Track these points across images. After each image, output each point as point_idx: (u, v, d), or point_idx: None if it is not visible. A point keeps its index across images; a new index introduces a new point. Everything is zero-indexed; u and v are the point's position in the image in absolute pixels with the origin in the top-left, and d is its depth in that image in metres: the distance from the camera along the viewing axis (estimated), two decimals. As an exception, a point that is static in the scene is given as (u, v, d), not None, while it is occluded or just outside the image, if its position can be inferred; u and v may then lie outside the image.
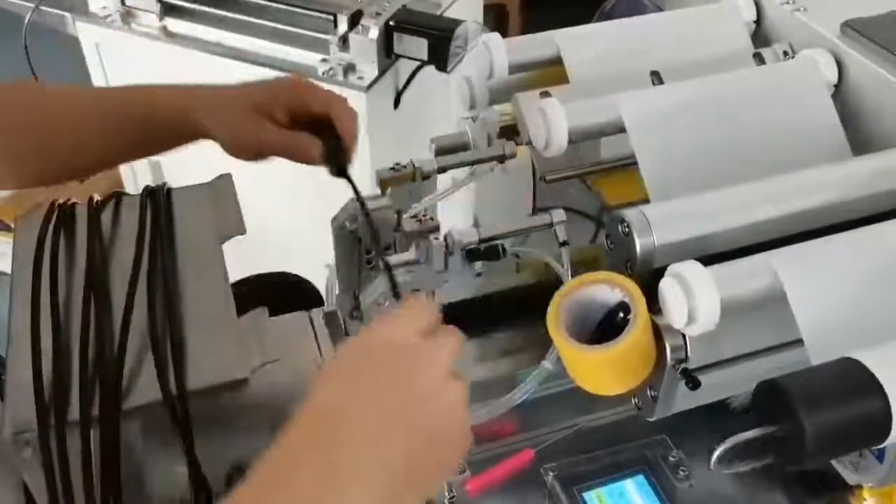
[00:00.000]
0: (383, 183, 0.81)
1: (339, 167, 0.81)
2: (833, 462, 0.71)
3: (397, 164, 0.83)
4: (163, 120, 0.85)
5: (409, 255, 0.77)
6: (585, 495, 0.85)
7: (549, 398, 0.89)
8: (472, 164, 0.86)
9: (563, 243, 0.77)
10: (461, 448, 0.56)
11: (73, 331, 0.69)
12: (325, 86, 0.86)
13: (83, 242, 0.76)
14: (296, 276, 1.32)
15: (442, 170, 0.85)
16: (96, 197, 0.82)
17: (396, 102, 1.65)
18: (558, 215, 0.77)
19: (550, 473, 0.86)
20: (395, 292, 0.70)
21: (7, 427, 0.63)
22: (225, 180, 0.86)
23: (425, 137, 1.14)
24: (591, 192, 0.92)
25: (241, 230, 0.81)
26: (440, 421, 0.55)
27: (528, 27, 2.76)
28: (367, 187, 1.61)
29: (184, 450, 0.64)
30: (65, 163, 0.90)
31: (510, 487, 0.86)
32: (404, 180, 0.82)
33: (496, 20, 2.71)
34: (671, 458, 0.87)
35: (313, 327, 0.92)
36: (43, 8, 1.70)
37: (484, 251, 0.76)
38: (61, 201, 0.79)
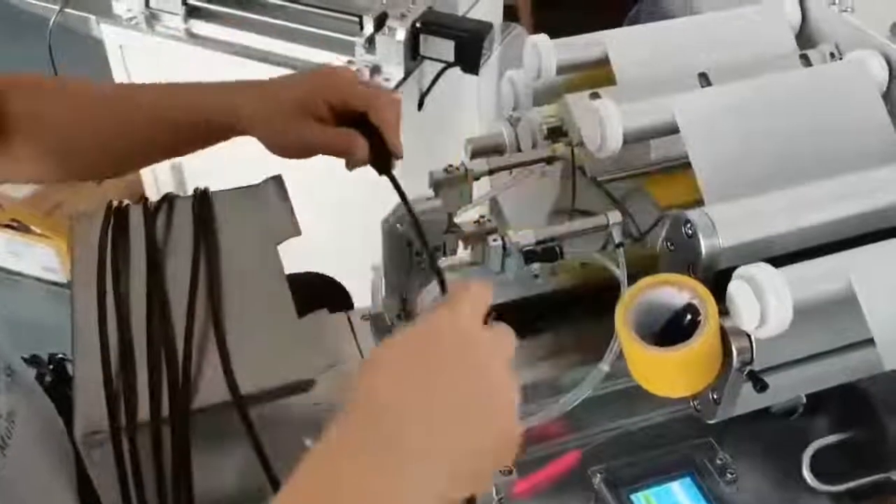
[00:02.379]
0: (437, 185, 0.81)
1: (384, 167, 0.80)
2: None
3: (450, 167, 0.82)
4: (208, 120, 0.85)
5: (466, 256, 0.77)
6: (633, 497, 0.85)
7: (593, 400, 0.88)
8: (521, 165, 0.86)
9: (619, 245, 0.77)
10: (514, 448, 0.53)
11: (137, 331, 0.69)
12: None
13: (140, 243, 0.76)
14: (326, 276, 1.31)
15: (492, 171, 0.85)
16: (150, 198, 0.82)
17: (420, 104, 1.65)
18: (614, 217, 0.77)
19: (598, 475, 0.86)
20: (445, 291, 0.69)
21: (78, 427, 0.63)
22: (277, 181, 0.86)
23: (449, 139, 1.14)
24: (600, 191, 0.91)
25: (297, 231, 0.81)
26: (497, 418, 0.52)
27: (539, 28, 2.76)
28: (389, 188, 1.62)
29: (255, 449, 0.64)
30: (111, 160, 0.90)
31: (557, 489, 0.86)
32: (458, 182, 0.81)
33: (506, 20, 2.72)
34: (718, 461, 0.87)
35: (352, 329, 0.92)
36: (67, 10, 1.69)
37: (541, 252, 0.75)
38: (116, 202, 0.79)
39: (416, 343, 0.53)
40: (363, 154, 0.81)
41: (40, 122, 0.85)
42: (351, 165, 0.83)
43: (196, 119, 0.85)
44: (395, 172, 0.82)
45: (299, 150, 0.83)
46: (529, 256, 0.75)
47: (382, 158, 0.81)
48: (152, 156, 0.93)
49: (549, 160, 0.86)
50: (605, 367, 0.79)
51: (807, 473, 0.74)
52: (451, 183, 0.81)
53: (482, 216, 0.75)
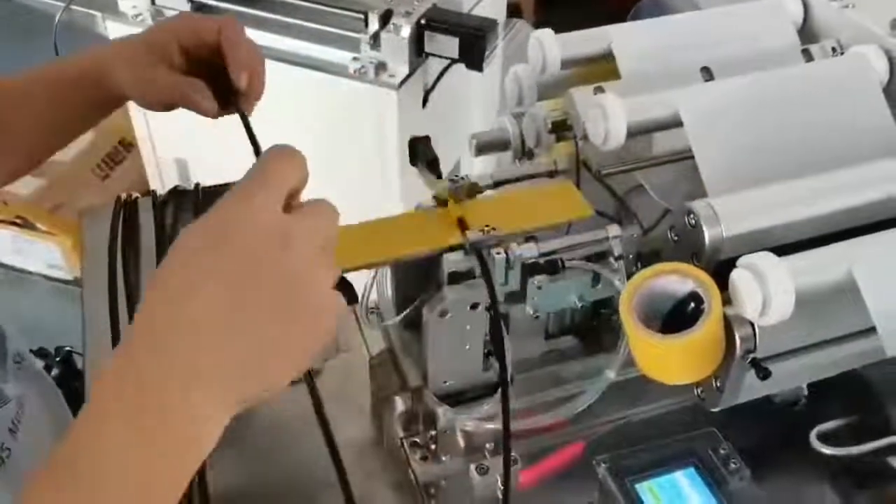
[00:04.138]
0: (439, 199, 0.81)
1: (231, 104, 0.76)
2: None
3: (456, 176, 0.82)
4: (83, 87, 0.82)
5: (467, 266, 0.76)
6: (637, 487, 0.86)
7: (598, 391, 0.90)
8: (525, 179, 0.86)
9: (619, 257, 0.78)
10: (321, 339, 0.50)
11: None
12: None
13: (150, 235, 0.77)
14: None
15: (496, 184, 0.85)
16: (159, 192, 0.83)
17: (425, 101, 1.66)
18: (614, 230, 0.78)
19: (602, 465, 0.87)
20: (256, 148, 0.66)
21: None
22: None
23: (453, 135, 1.15)
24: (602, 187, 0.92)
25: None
26: (302, 313, 0.48)
27: (542, 24, 2.76)
28: (397, 184, 1.62)
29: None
30: (19, 152, 0.86)
31: (562, 479, 0.87)
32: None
33: (510, 17, 2.73)
34: (721, 451, 0.88)
35: (358, 322, 0.93)
36: (73, 7, 1.71)
37: (543, 265, 0.77)
38: (125, 196, 0.80)
39: (202, 239, 0.47)
40: (208, 105, 0.76)
41: None
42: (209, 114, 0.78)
43: (76, 89, 0.83)
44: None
45: (155, 103, 0.80)
46: (532, 269, 0.77)
47: (230, 102, 0.76)
48: (59, 136, 0.89)
49: (552, 174, 0.87)
50: (611, 374, 0.81)
51: (815, 440, 0.75)
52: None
53: (487, 225, 0.76)
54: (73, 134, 0.90)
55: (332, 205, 0.52)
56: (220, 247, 0.47)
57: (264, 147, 0.53)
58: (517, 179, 0.87)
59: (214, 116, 0.77)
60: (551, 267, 0.77)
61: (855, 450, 0.68)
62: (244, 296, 0.46)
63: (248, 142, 0.86)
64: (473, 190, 0.80)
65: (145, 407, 0.45)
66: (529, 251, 0.76)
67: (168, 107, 0.79)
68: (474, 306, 0.76)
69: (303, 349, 0.49)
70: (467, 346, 0.79)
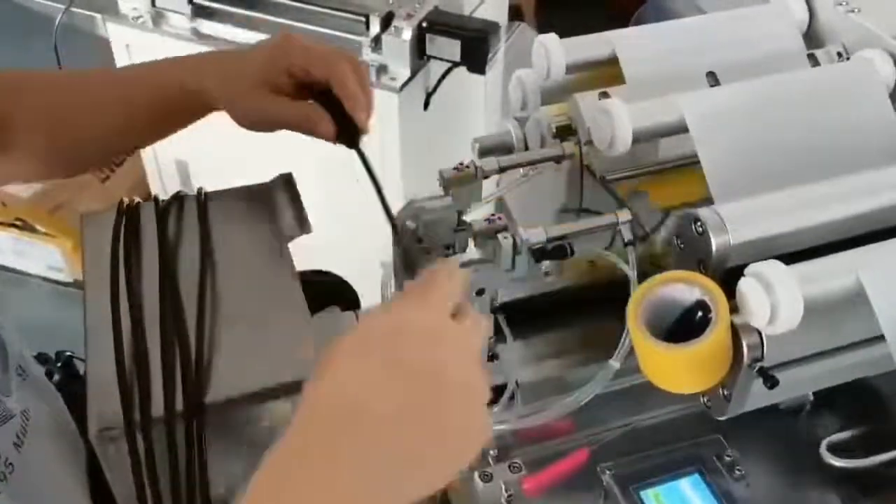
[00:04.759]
0: (447, 183, 0.81)
1: (350, 141, 0.78)
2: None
3: (460, 164, 0.83)
4: (176, 97, 0.82)
5: (475, 254, 0.77)
6: (642, 494, 0.85)
7: (602, 397, 0.89)
8: (531, 164, 0.86)
9: (629, 243, 0.78)
10: (479, 444, 0.52)
11: (150, 327, 0.69)
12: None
13: (152, 241, 0.76)
14: (333, 273, 1.32)
15: (502, 170, 0.85)
16: (160, 196, 0.82)
17: (426, 104, 1.66)
18: (624, 215, 0.77)
19: (607, 472, 0.86)
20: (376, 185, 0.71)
21: (92, 424, 0.63)
22: (287, 179, 0.86)
23: (455, 138, 1.14)
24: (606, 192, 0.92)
25: (308, 229, 0.81)
26: (461, 416, 0.51)
27: (543, 27, 2.77)
28: (399, 186, 1.62)
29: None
30: (87, 150, 0.87)
31: (566, 486, 0.87)
32: (468, 181, 0.82)
33: (511, 20, 2.73)
34: (726, 458, 0.87)
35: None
36: (73, 9, 1.70)
37: (551, 250, 0.76)
38: (127, 201, 0.79)
39: (381, 337, 0.51)
40: (325, 130, 0.77)
41: (45, 117, 0.83)
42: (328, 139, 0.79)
43: (170, 95, 0.83)
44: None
45: (262, 125, 0.81)
46: (540, 254, 0.76)
47: (348, 132, 0.78)
48: (131, 138, 0.90)
49: (559, 159, 0.87)
50: (615, 363, 0.80)
51: (824, 452, 0.75)
52: (460, 181, 0.81)
53: (493, 214, 0.76)
54: (149, 138, 0.91)
55: (488, 319, 0.57)
56: (397, 342, 0.50)
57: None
58: (524, 164, 0.86)
59: (335, 142, 0.79)
60: (559, 252, 0.76)
61: (866, 461, 0.68)
62: (417, 390, 0.49)
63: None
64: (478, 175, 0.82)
65: (313, 483, 0.47)
66: (537, 236, 0.75)
67: (273, 128, 0.80)
68: (479, 292, 0.75)
69: (456, 455, 0.51)
70: None
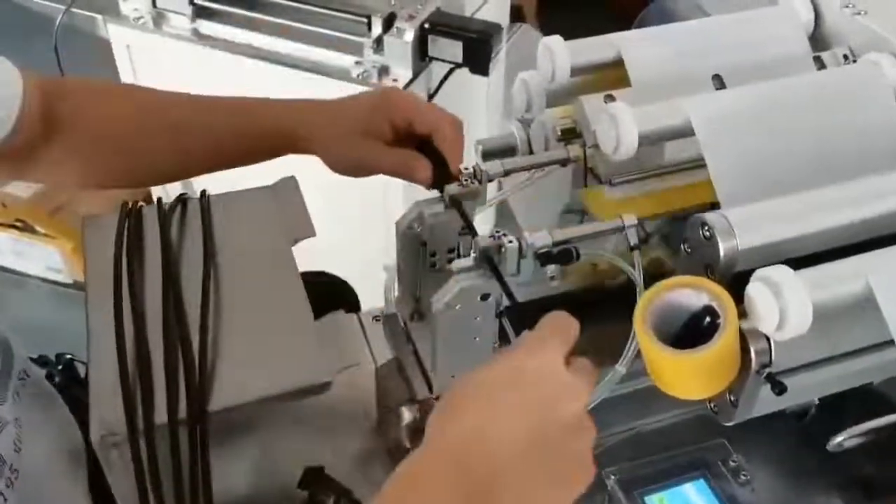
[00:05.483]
0: (453, 199, 0.81)
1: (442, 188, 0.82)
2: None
3: (465, 169, 0.82)
4: (268, 135, 0.85)
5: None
6: (647, 499, 0.85)
7: (606, 401, 0.88)
8: (536, 167, 0.86)
9: (634, 247, 0.77)
10: (587, 482, 0.55)
11: (153, 332, 0.69)
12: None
13: (155, 245, 0.76)
14: (334, 276, 1.31)
15: (506, 173, 0.85)
16: (164, 199, 0.82)
17: (428, 105, 1.65)
18: (629, 219, 0.77)
19: (612, 477, 0.86)
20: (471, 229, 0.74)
21: (95, 430, 0.63)
22: (291, 182, 0.86)
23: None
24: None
25: (311, 232, 0.81)
26: (572, 461, 0.54)
27: (545, 29, 2.77)
28: (398, 189, 1.61)
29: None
30: (167, 168, 0.90)
31: (570, 491, 0.86)
32: (471, 196, 0.82)
33: (513, 21, 2.73)
34: (731, 462, 0.87)
35: (363, 330, 0.92)
36: (74, 10, 1.69)
37: (557, 254, 0.75)
38: (130, 203, 0.79)
39: (502, 381, 0.55)
40: (426, 176, 0.82)
41: (101, 124, 0.85)
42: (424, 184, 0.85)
43: (261, 133, 0.86)
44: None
45: (361, 170, 0.85)
46: (545, 258, 0.75)
47: (443, 180, 0.82)
48: (204, 166, 0.91)
49: (564, 162, 0.86)
50: (622, 368, 0.79)
51: (830, 456, 0.76)
52: (465, 197, 0.81)
53: (498, 230, 0.75)
54: (216, 168, 0.92)
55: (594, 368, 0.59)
56: (520, 386, 0.54)
57: None
58: (528, 167, 0.86)
59: (430, 188, 0.83)
60: (565, 256, 0.76)
61: (872, 466, 0.68)
62: (540, 432, 0.53)
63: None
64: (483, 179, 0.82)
65: None
66: (542, 240, 0.75)
67: (370, 174, 0.85)
68: (484, 297, 0.75)
69: (568, 491, 0.54)
70: (476, 339, 0.78)
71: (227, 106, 0.89)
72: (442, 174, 0.82)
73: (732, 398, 0.69)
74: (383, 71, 1.55)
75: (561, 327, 0.59)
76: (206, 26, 1.66)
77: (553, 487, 0.53)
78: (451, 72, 1.60)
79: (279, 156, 0.87)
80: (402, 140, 0.84)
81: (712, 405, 0.72)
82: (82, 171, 0.86)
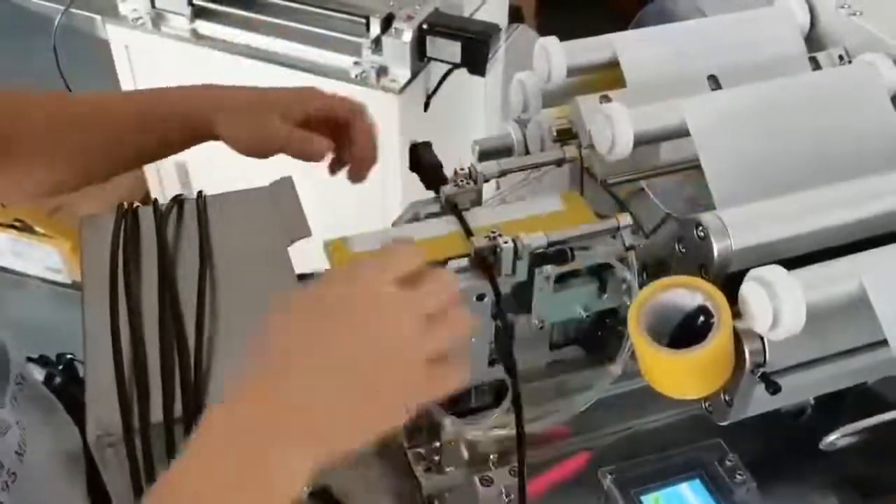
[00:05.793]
0: (449, 201, 0.81)
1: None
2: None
3: (461, 169, 0.82)
4: (175, 120, 0.86)
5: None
6: (643, 499, 0.85)
7: (602, 401, 0.89)
8: (532, 167, 0.86)
9: (630, 247, 0.77)
10: (415, 401, 0.55)
11: (149, 332, 0.69)
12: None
13: (151, 245, 0.76)
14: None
15: (502, 173, 0.85)
16: (160, 200, 0.82)
17: (426, 105, 1.65)
18: (625, 219, 0.77)
19: (608, 476, 0.86)
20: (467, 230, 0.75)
21: (91, 430, 0.63)
22: (287, 183, 0.86)
23: (455, 140, 1.14)
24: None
25: (307, 232, 0.81)
26: (389, 380, 0.53)
27: (543, 29, 2.77)
28: (397, 190, 1.61)
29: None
30: (98, 164, 0.88)
31: (567, 490, 0.86)
32: (468, 198, 0.82)
33: (511, 22, 2.73)
34: (727, 462, 0.87)
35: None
36: (73, 10, 1.70)
37: (552, 255, 0.75)
38: (126, 204, 0.79)
39: (322, 292, 0.56)
40: (319, 150, 0.84)
41: (50, 137, 0.84)
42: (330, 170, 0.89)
43: (166, 119, 0.86)
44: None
45: (261, 146, 0.85)
46: (541, 259, 0.75)
47: (437, 182, 0.83)
48: (140, 159, 0.94)
49: (560, 162, 0.86)
50: (616, 369, 0.80)
51: (825, 456, 0.76)
52: (460, 198, 0.82)
53: (493, 231, 0.75)
54: (149, 159, 0.95)
55: (452, 275, 0.60)
56: (332, 306, 0.54)
57: None
58: (524, 168, 0.86)
59: (320, 159, 0.86)
60: (560, 256, 0.76)
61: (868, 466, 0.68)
62: (347, 344, 0.52)
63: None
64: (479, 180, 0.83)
65: (242, 457, 0.50)
66: (538, 240, 0.75)
67: (268, 152, 0.85)
68: (480, 297, 0.75)
69: (387, 410, 0.54)
70: (472, 339, 0.78)
71: (136, 98, 0.91)
72: (436, 176, 0.82)
73: (727, 398, 0.69)
74: (382, 71, 1.55)
75: (399, 251, 0.57)
76: (205, 27, 1.66)
77: (366, 409, 0.53)
78: (449, 72, 1.60)
79: (196, 142, 0.87)
80: (320, 131, 0.85)
81: (707, 405, 0.73)
82: (24, 184, 0.86)
